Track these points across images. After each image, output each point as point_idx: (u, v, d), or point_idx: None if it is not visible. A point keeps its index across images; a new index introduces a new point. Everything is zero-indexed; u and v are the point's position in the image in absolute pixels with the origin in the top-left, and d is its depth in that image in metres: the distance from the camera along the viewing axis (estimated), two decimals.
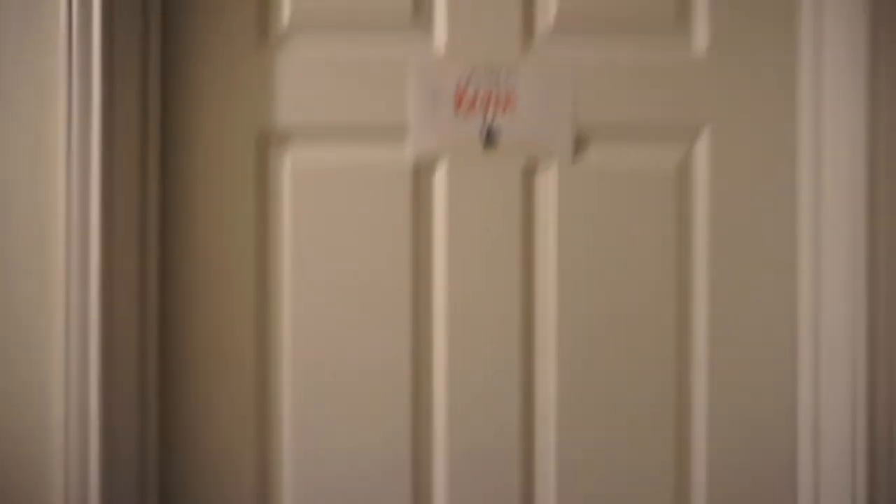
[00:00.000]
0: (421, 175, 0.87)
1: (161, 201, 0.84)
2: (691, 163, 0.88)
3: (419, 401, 0.87)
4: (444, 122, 0.86)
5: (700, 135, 0.88)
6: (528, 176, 0.87)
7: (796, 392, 0.86)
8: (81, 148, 0.72)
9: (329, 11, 0.85)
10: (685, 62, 0.87)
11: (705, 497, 0.87)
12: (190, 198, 0.85)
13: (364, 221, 0.86)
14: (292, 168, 0.86)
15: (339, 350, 0.86)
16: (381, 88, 0.86)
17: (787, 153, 0.87)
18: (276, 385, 0.87)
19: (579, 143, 0.87)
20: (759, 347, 0.87)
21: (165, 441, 0.85)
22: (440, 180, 0.87)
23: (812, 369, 0.84)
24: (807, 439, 0.84)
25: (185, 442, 0.86)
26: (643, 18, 0.87)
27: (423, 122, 0.86)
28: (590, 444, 0.87)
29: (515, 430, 0.87)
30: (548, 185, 0.87)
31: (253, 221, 0.86)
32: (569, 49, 0.87)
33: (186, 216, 0.85)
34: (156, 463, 0.83)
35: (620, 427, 0.87)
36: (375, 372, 0.86)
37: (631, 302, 0.88)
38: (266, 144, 0.86)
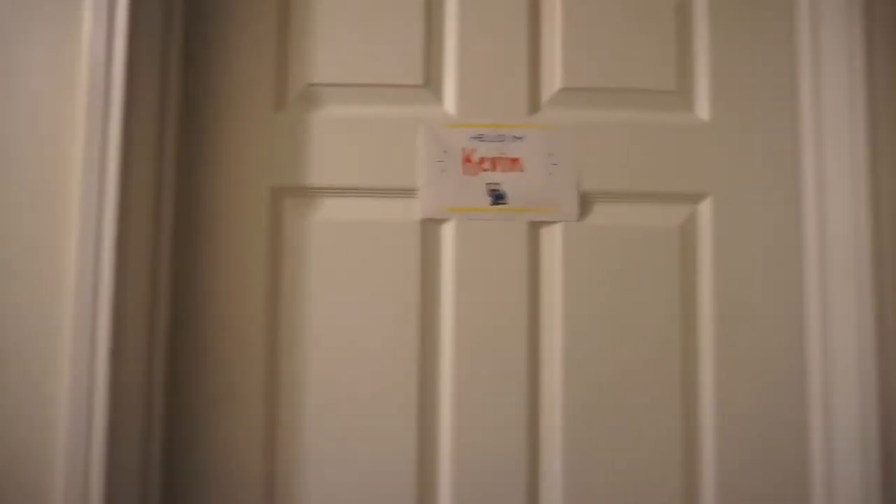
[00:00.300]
0: (428, 230, 0.89)
1: (174, 246, 0.87)
2: (695, 222, 0.90)
3: (425, 447, 0.86)
4: (452, 181, 0.89)
5: (704, 198, 0.90)
6: (534, 233, 0.90)
7: (806, 457, 0.85)
8: (98, 199, 0.74)
9: (342, 78, 0.91)
10: (687, 128, 0.91)
11: None
12: (205, 248, 0.88)
13: (372, 272, 0.88)
14: (304, 222, 0.89)
15: (347, 392, 0.87)
16: (393, 149, 0.90)
17: (790, 215, 0.89)
18: (290, 424, 0.87)
19: (584, 202, 0.89)
20: (767, 405, 0.86)
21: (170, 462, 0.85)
22: (448, 235, 0.89)
23: (823, 431, 0.83)
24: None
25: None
26: (645, 86, 0.91)
27: (431, 181, 0.89)
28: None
29: (521, 488, 0.85)
30: (553, 242, 0.89)
31: (264, 271, 0.88)
32: (573, 115, 0.91)
33: (201, 268, 0.88)
34: (158, 470, 0.83)
35: (627, 484, 0.86)
36: (383, 414, 0.86)
37: (634, 353, 0.88)
38: (279, 199, 0.89)
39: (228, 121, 0.90)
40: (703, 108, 0.91)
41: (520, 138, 0.90)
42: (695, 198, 0.90)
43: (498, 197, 0.90)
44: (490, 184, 0.90)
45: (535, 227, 0.90)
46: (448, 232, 0.89)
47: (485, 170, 0.90)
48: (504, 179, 0.90)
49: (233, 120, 0.90)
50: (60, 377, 0.74)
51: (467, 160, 0.90)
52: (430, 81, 0.91)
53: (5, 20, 0.78)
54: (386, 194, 0.90)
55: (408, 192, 0.89)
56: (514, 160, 0.90)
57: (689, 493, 0.86)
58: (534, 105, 0.91)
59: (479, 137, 0.90)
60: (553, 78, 0.91)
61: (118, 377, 0.73)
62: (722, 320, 0.88)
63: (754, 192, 0.90)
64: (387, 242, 0.89)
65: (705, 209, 0.90)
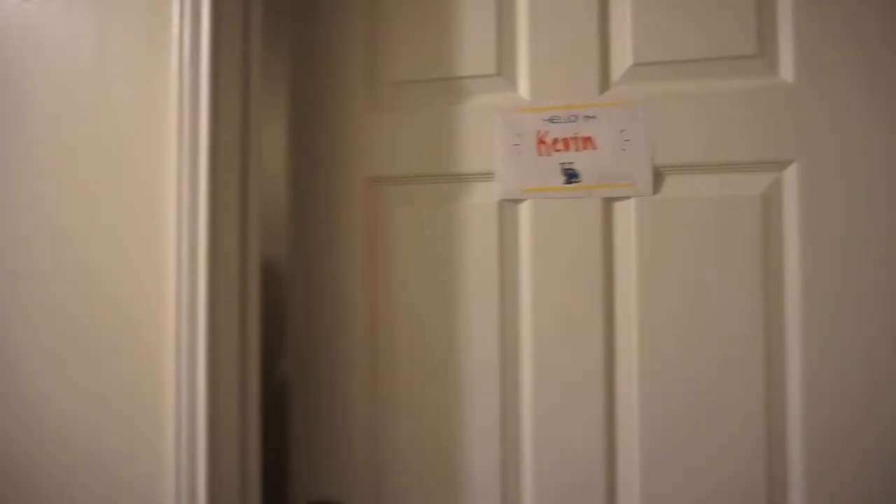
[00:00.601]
0: (506, 211, 0.96)
1: (290, 233, 1.02)
2: (780, 189, 0.88)
3: (506, 424, 0.95)
4: (527, 163, 0.95)
5: (788, 165, 0.87)
6: (608, 209, 0.93)
7: None
8: (191, 192, 0.83)
9: (421, 73, 0.99)
10: (769, 92, 0.88)
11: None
12: (310, 234, 1.02)
13: (453, 253, 0.97)
14: (394, 208, 1.00)
15: (433, 361, 0.97)
16: (471, 135, 0.97)
17: (880, 176, 0.84)
18: (389, 391, 1.00)
19: (658, 176, 0.91)
20: (857, 383, 0.83)
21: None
22: (525, 215, 0.95)
23: None
24: None
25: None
26: (723, 53, 0.89)
27: (507, 164, 0.95)
28: (678, 481, 0.89)
29: (598, 457, 0.91)
30: (628, 217, 0.92)
31: (360, 254, 1.00)
32: (646, 89, 0.91)
33: (307, 252, 1.02)
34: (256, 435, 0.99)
35: (709, 460, 0.88)
36: (465, 380, 0.96)
37: (712, 327, 0.88)
38: (373, 186, 1.01)
39: (326, 118, 1.02)
40: (787, 70, 0.88)
41: (592, 117, 0.93)
42: (779, 165, 0.88)
43: (572, 176, 0.94)
44: (564, 163, 0.94)
45: (608, 203, 0.93)
46: (525, 212, 0.95)
47: (558, 150, 0.94)
48: (577, 158, 0.93)
49: (329, 116, 1.02)
50: (167, 360, 0.81)
51: (541, 142, 0.94)
52: (503, 69, 0.97)
53: (97, 20, 0.82)
54: (466, 179, 0.97)
55: (486, 177, 0.96)
56: (587, 139, 0.93)
57: (773, 499, 0.86)
58: (605, 83, 0.93)
59: (552, 119, 0.94)
60: (624, 55, 0.93)
61: (215, 356, 0.80)
62: (810, 293, 0.86)
63: (844, 156, 0.85)
64: (467, 224, 0.97)
65: (790, 176, 0.87)
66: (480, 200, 0.97)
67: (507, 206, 0.96)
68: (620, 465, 0.91)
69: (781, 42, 0.88)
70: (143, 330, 0.81)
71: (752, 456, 0.86)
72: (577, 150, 0.93)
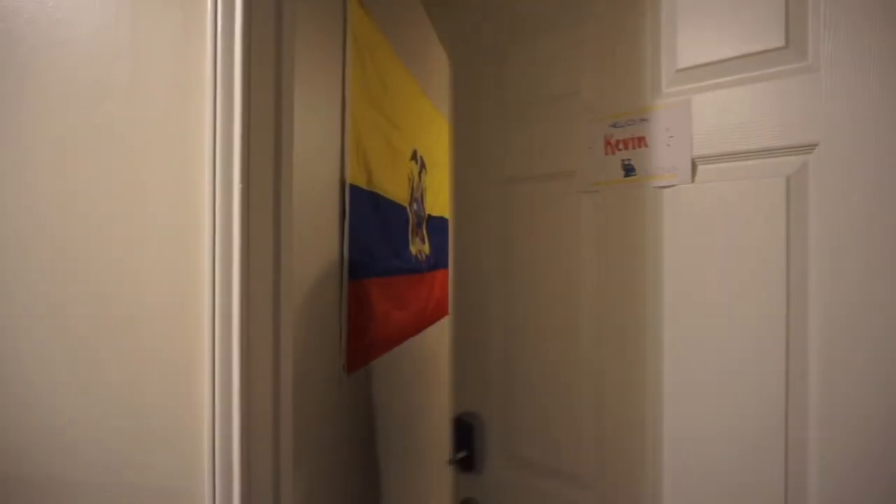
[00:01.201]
0: (583, 200, 1.24)
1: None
2: (805, 172, 0.96)
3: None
4: (598, 162, 1.21)
5: (813, 149, 0.95)
6: (658, 196, 1.13)
7: None
8: (225, 184, 0.71)
9: (529, 96, 1.32)
10: (796, 80, 0.96)
11: None
12: (457, 220, 1.47)
13: (553, 232, 1.30)
14: (513, 197, 1.37)
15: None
16: (559, 145, 1.27)
17: None
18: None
19: (695, 166, 1.08)
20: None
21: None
22: (597, 203, 1.22)
23: None
24: None
25: None
26: (754, 49, 1.00)
27: (583, 165, 1.23)
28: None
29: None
30: (674, 202, 1.11)
31: (500, 236, 1.41)
32: (688, 90, 1.07)
33: (456, 234, 1.47)
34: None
35: None
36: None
37: (736, 298, 1.04)
38: (507, 183, 1.39)
39: (473, 129, 1.44)
40: (814, 57, 0.94)
41: (645, 120, 1.14)
42: (803, 147, 0.96)
43: (630, 170, 1.17)
44: (623, 160, 1.17)
45: (658, 191, 1.13)
46: (597, 200, 1.22)
47: (619, 150, 1.18)
48: (633, 155, 1.16)
49: (476, 127, 1.44)
50: (202, 362, 0.71)
51: (608, 143, 1.19)
52: (580, 88, 1.23)
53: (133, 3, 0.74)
54: (557, 177, 1.28)
55: (570, 174, 1.26)
56: (641, 138, 1.14)
57: None
58: (656, 90, 1.12)
59: (615, 125, 1.18)
60: (669, 63, 1.10)
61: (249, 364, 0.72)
62: (829, 269, 0.94)
63: (866, 139, 0.89)
64: (563, 209, 1.28)
65: (814, 160, 0.95)
66: (565, 190, 1.27)
67: (585, 196, 1.24)
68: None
69: (810, 32, 0.95)
70: (175, 322, 0.72)
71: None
72: (633, 148, 1.16)
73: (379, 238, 1.03)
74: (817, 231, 0.95)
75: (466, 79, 1.44)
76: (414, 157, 1.02)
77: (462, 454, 1.45)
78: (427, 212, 1.14)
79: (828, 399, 0.94)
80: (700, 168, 1.08)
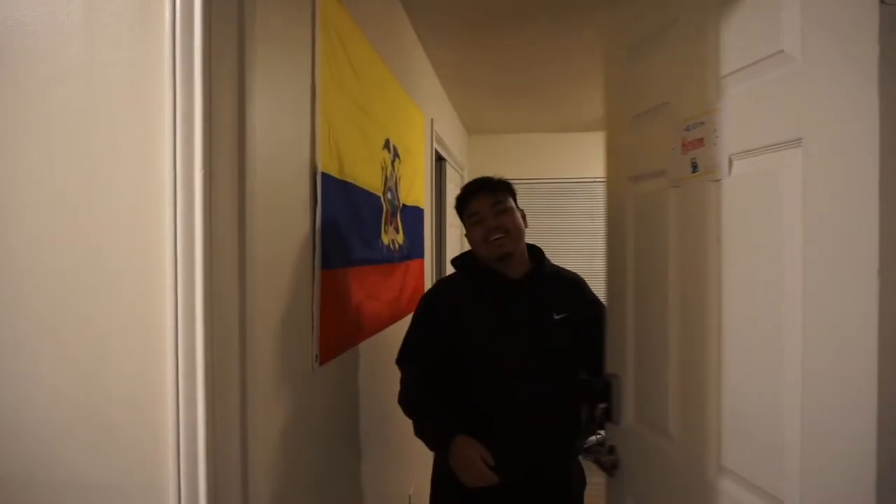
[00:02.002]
0: (670, 194, 1.40)
1: None
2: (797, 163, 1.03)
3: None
4: (677, 161, 1.36)
5: (799, 142, 1.02)
6: (716, 188, 1.25)
7: None
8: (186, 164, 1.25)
9: (638, 109, 1.52)
10: (785, 76, 1.05)
11: None
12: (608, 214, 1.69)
13: (650, 224, 1.47)
14: (636, 194, 1.57)
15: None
16: (660, 148, 1.45)
17: None
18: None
19: (731, 162, 1.19)
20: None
21: None
22: (680, 196, 1.37)
23: None
24: None
25: None
26: (760, 55, 1.10)
27: (669, 164, 1.39)
28: None
29: None
30: (720, 191, 1.23)
31: (629, 230, 1.62)
32: (726, 94, 1.20)
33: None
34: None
35: None
36: None
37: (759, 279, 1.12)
38: (631, 181, 1.60)
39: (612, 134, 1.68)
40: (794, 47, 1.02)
41: (702, 123, 1.27)
42: (791, 143, 1.03)
43: (695, 167, 1.30)
44: (691, 159, 1.31)
45: (715, 184, 1.25)
46: (679, 192, 1.37)
47: (689, 150, 1.32)
48: (697, 154, 1.30)
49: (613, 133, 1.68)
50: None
51: (683, 144, 1.34)
52: (671, 99, 1.41)
53: None
54: (656, 175, 1.46)
55: (663, 172, 1.43)
56: (700, 139, 1.28)
57: None
58: (712, 97, 1.25)
59: (687, 128, 1.33)
60: (715, 72, 1.23)
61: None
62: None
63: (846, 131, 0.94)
64: (657, 205, 1.45)
65: (798, 153, 1.01)
66: (661, 188, 1.44)
67: (672, 191, 1.40)
68: None
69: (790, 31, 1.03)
70: (138, 310, 0.70)
71: None
72: (696, 148, 1.29)
73: (352, 227, 0.98)
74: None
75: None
76: (387, 145, 1.05)
77: (604, 406, 1.71)
78: (402, 201, 1.15)
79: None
80: (733, 164, 1.18)
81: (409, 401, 1.81)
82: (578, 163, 5.81)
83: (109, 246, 0.70)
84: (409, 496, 2.27)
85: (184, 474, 0.68)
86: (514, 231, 1.84)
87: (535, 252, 1.96)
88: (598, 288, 1.89)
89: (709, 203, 1.27)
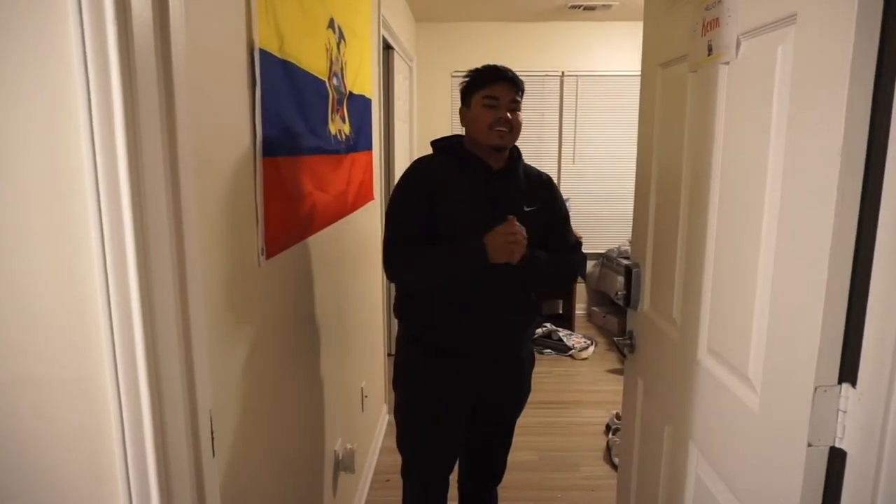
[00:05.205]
0: (689, 79, 1.37)
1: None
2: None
3: None
4: (697, 44, 1.32)
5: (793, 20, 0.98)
6: (724, 69, 1.22)
7: None
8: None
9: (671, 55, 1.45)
10: None
11: None
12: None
13: (676, 104, 1.45)
14: (663, 80, 1.52)
15: None
16: (686, 33, 1.39)
17: None
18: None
19: (739, 42, 1.15)
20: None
21: None
22: (696, 80, 1.34)
23: None
24: None
25: None
26: None
27: (690, 47, 1.35)
28: None
29: None
30: (730, 72, 1.20)
31: (653, 115, 1.59)
32: None
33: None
34: None
35: None
36: None
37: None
38: (661, 68, 1.55)
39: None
40: None
41: (719, 2, 1.21)
42: (787, 20, 0.99)
43: (710, 49, 1.26)
44: (708, 41, 1.26)
45: (724, 68, 1.21)
46: (695, 77, 1.34)
47: (707, 31, 1.27)
48: (712, 36, 1.25)
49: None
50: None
51: (703, 26, 1.29)
52: None
53: None
54: (681, 60, 1.42)
55: (685, 57, 1.38)
56: (716, 19, 1.23)
57: None
58: None
59: (707, 8, 1.27)
60: None
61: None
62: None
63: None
64: (677, 92, 1.42)
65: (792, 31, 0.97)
66: (682, 74, 1.40)
67: (691, 76, 1.37)
68: None
69: None
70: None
71: None
72: (712, 29, 1.24)
73: (295, 113, 0.87)
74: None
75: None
76: (331, 25, 0.88)
77: (623, 292, 1.82)
78: (348, 88, 1.02)
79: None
80: (743, 44, 1.14)
81: (414, 256, 1.80)
82: (529, 54, 5.33)
83: (18, 140, 0.62)
84: (362, 388, 2.39)
85: (122, 374, 0.65)
86: (517, 131, 1.88)
87: (513, 150, 1.99)
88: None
89: (717, 88, 1.23)
